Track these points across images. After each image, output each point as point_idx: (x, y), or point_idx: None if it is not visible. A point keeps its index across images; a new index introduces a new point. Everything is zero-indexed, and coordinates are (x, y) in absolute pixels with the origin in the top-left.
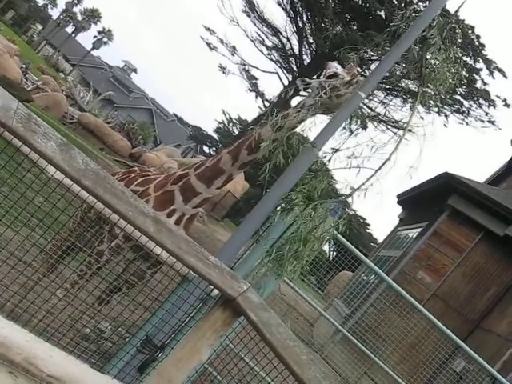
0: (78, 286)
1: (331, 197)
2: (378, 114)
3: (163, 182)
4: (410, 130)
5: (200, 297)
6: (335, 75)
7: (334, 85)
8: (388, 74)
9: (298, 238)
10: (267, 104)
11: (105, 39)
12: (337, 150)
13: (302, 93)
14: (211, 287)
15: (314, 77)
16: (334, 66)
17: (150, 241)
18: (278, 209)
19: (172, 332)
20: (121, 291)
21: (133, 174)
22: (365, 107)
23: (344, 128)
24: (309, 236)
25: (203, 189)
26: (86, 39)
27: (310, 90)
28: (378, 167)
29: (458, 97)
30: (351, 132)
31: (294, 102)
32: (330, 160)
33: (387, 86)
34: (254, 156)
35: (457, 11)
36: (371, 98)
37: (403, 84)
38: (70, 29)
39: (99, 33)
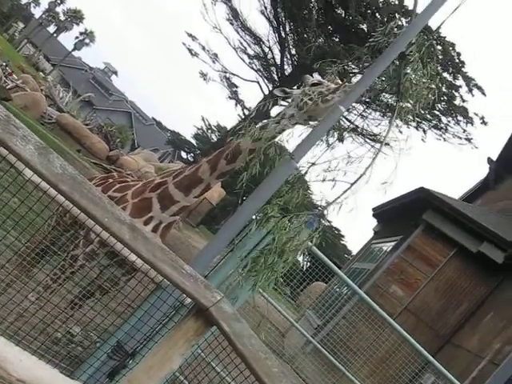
0: (50, 290)
1: (307, 209)
2: (357, 126)
3: (141, 189)
4: (387, 144)
5: (173, 305)
6: (319, 83)
7: (319, 91)
8: (368, 88)
9: (274, 249)
10: (247, 112)
11: (86, 40)
12: (313, 164)
13: (282, 103)
14: (185, 296)
15: (295, 87)
16: (315, 79)
17: (125, 248)
18: (254, 219)
19: (144, 339)
20: (94, 297)
21: (111, 180)
22: (343, 119)
23: (321, 140)
24: (284, 248)
25: (181, 197)
26: (67, 40)
27: (290, 100)
28: (354, 181)
29: (437, 112)
30: (328, 145)
31: (274, 111)
32: (306, 173)
33: (367, 99)
34: (233, 166)
35: (438, 29)
36: (350, 110)
37: (382, 98)
38: (52, 28)
39: (81, 34)
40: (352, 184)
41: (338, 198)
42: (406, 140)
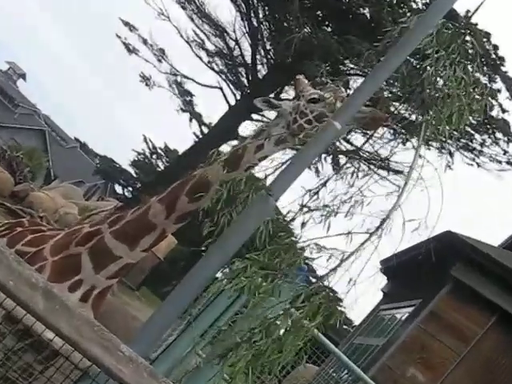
0: None
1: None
2: (358, 148)
3: (64, 241)
4: (397, 172)
5: None
6: (320, 99)
7: (320, 111)
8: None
9: (249, 320)
10: (205, 130)
11: None
12: (303, 207)
13: (255, 116)
14: None
15: (272, 94)
16: (315, 93)
17: (39, 322)
18: (219, 278)
19: None
20: None
21: (19, 229)
22: (340, 140)
23: (309, 168)
24: (270, 325)
25: (124, 251)
26: None
27: (276, 114)
28: (376, 228)
29: (467, 128)
30: (318, 174)
31: (245, 129)
32: (292, 219)
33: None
34: (198, 205)
35: (471, 14)
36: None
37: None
38: None
39: None
40: (374, 232)
41: (357, 250)
42: (421, 167)
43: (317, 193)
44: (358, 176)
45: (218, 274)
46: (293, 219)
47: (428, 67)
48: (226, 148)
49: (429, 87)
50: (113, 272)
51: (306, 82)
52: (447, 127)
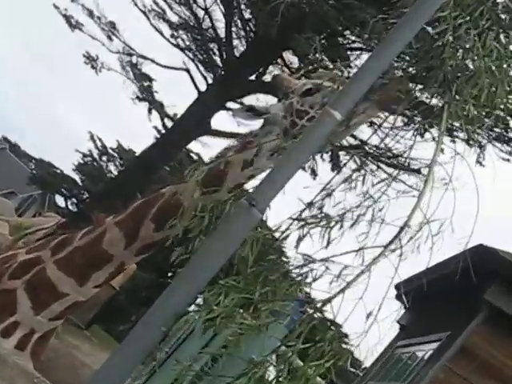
0: None
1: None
2: (363, 143)
3: None
4: (416, 172)
5: None
6: (317, 88)
7: (323, 102)
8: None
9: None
10: (169, 123)
11: None
12: (295, 220)
13: (231, 104)
14: None
15: (253, 76)
16: (307, 83)
17: None
18: (192, 312)
19: None
20: None
21: None
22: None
23: (303, 169)
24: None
25: (71, 287)
26: None
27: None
28: (392, 238)
29: (502, 114)
30: (314, 175)
31: (219, 121)
32: (285, 237)
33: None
34: (167, 234)
35: None
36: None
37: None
38: None
39: None
40: (388, 244)
41: (368, 267)
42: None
43: (312, 204)
44: (373, 184)
45: (191, 307)
46: (286, 237)
47: (450, 37)
48: (195, 146)
49: (450, 62)
50: (57, 312)
51: (286, 75)
52: (474, 110)
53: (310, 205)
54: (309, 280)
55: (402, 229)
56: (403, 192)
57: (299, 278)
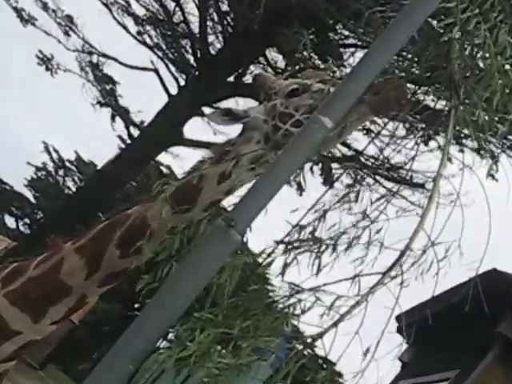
0: None
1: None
2: (359, 153)
3: None
4: (420, 186)
5: None
6: (304, 89)
7: (310, 104)
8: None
9: None
10: (136, 132)
11: None
12: (280, 243)
13: (206, 110)
14: None
15: (231, 78)
16: (292, 82)
17: None
18: (163, 350)
19: None
20: None
21: None
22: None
23: (289, 184)
24: None
25: (24, 324)
26: None
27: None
28: (392, 263)
29: None
30: (300, 191)
31: (192, 129)
32: (271, 262)
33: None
34: (134, 261)
35: None
36: None
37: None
38: None
39: None
40: (388, 271)
41: (366, 295)
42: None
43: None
44: (370, 201)
45: (162, 344)
46: (270, 263)
47: (457, 32)
48: (166, 158)
49: (458, 60)
50: (9, 353)
51: (270, 75)
52: (485, 116)
53: (297, 227)
54: (297, 312)
55: (403, 253)
56: (404, 210)
57: (286, 309)
